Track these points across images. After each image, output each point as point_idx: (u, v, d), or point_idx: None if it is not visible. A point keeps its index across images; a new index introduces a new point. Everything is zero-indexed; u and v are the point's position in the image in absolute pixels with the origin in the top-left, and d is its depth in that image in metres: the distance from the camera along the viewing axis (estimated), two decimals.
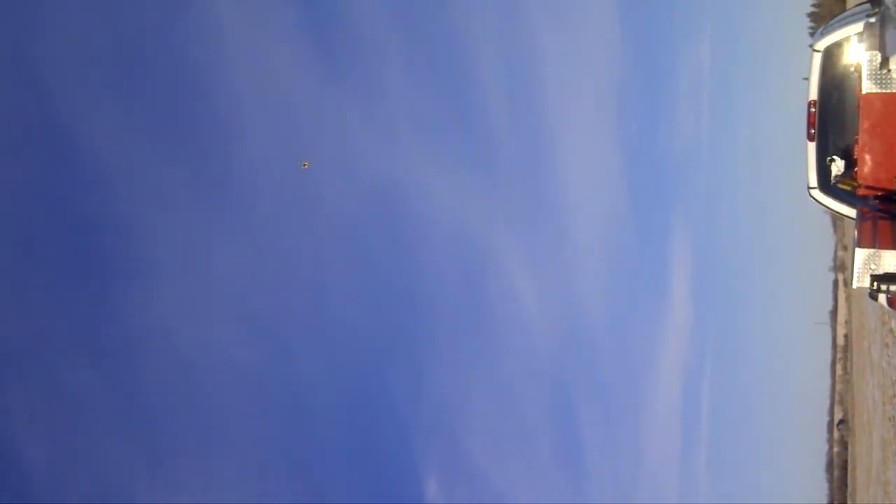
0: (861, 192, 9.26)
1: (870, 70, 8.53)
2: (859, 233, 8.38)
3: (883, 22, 8.29)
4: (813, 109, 9.70)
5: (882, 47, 7.82)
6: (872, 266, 8.05)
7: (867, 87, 8.62)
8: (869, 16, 8.81)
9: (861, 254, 8.09)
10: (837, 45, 9.54)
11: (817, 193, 10.04)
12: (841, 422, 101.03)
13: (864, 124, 8.90)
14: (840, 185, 9.55)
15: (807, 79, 9.82)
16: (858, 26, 9.04)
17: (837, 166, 9.70)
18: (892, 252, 8.00)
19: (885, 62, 7.44)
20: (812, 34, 12.54)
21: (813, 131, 9.79)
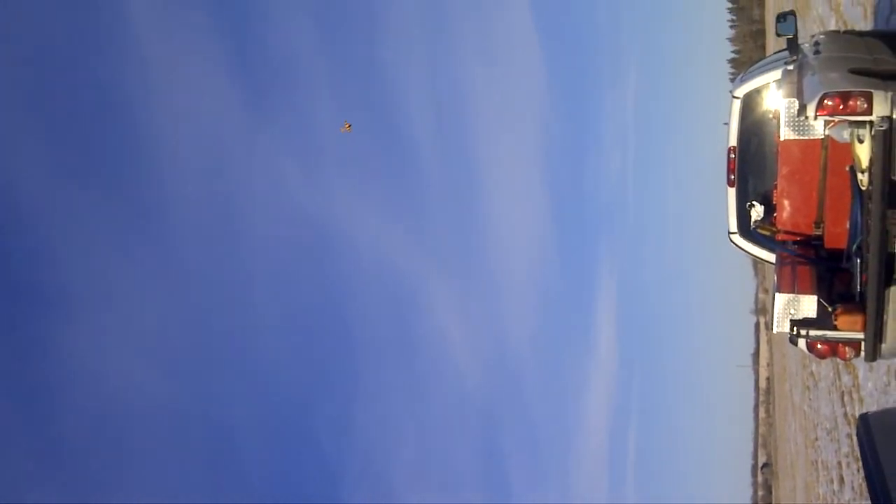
0: (780, 237, 9.42)
1: (788, 117, 8.72)
2: (779, 278, 8.51)
3: (800, 70, 8.48)
4: (732, 155, 9.85)
5: (799, 95, 7.99)
6: (792, 311, 8.16)
7: (785, 133, 8.81)
8: (787, 63, 9.02)
9: (780, 299, 8.20)
10: (756, 91, 9.73)
11: (737, 238, 10.18)
12: (765, 465, 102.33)
13: (783, 170, 9.09)
14: (759, 231, 9.69)
15: (727, 124, 10.01)
16: (777, 73, 9.23)
17: (757, 212, 9.86)
18: (811, 297, 8.14)
19: (802, 109, 7.62)
20: (732, 80, 12.78)
21: (733, 177, 9.94)
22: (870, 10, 14.54)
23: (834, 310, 7.86)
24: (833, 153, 8.61)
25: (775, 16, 9.46)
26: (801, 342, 8.08)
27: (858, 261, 7.66)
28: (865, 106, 7.00)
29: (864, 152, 7.28)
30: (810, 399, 29.02)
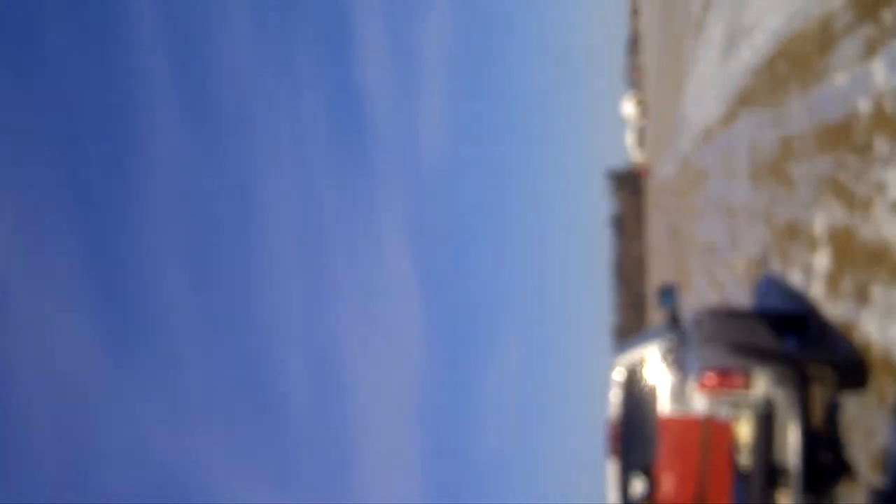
0: None
1: (668, 392, 8.95)
2: None
3: (681, 344, 8.77)
4: (614, 428, 9.99)
5: (680, 369, 8.22)
6: None
7: (665, 408, 9.01)
8: (667, 337, 9.32)
9: None
10: (637, 363, 9.99)
11: None
12: None
13: (663, 445, 9.22)
14: None
15: (609, 395, 10.17)
16: (658, 347, 9.52)
17: (638, 486, 9.91)
18: None
19: (682, 385, 7.83)
20: (614, 351, 13.09)
21: (613, 450, 10.04)
22: (749, 287, 15.22)
23: None
24: (713, 429, 8.79)
25: (657, 289, 9.84)
26: None
27: None
28: (745, 383, 7.23)
29: (744, 430, 7.45)
30: None
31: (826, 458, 8.03)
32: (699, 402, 8.35)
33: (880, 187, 7.36)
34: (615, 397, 10.01)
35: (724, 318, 9.61)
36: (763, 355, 7.66)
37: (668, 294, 9.40)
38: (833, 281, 8.97)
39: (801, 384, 7.34)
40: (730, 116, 19.69)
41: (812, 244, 9.98)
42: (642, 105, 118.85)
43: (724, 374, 7.29)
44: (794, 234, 11.17)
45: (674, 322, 9.34)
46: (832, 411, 8.50)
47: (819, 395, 7.50)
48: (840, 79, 8.82)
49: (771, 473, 7.20)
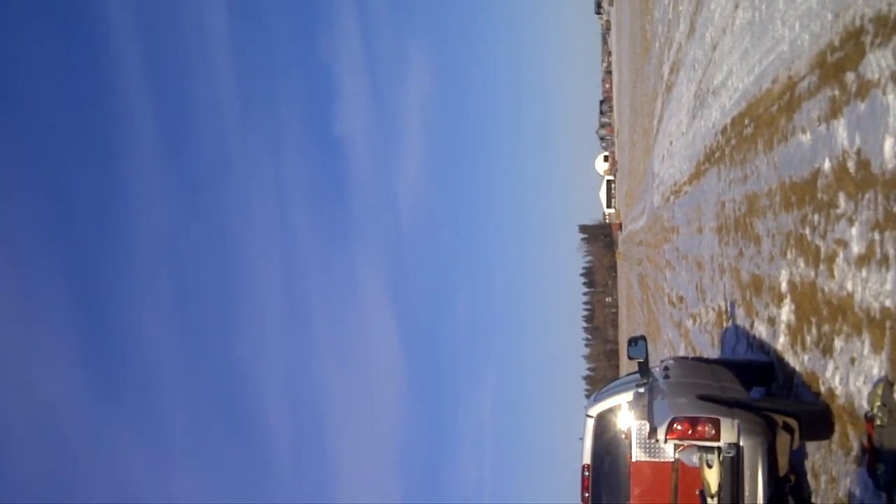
0: None
1: (639, 439, 8.94)
2: None
3: (651, 393, 8.76)
4: (587, 473, 9.97)
5: (650, 418, 8.21)
6: None
7: (636, 454, 9.00)
8: (638, 386, 9.32)
9: None
10: (610, 411, 9.98)
11: None
12: None
13: (635, 491, 9.19)
14: None
15: (582, 440, 10.15)
16: (629, 395, 9.52)
17: None
18: None
19: (652, 432, 7.81)
20: (587, 397, 13.08)
21: (587, 494, 10.00)
22: (717, 339, 15.24)
23: None
24: (683, 476, 8.76)
25: (627, 339, 9.85)
26: None
27: None
28: (713, 432, 7.21)
29: (713, 477, 7.43)
30: None
31: None
32: (669, 449, 8.33)
33: (843, 243, 7.40)
34: (588, 443, 9.98)
35: (693, 366, 9.62)
36: (730, 405, 7.66)
37: (638, 344, 9.40)
38: (797, 333, 8.99)
39: (767, 433, 7.33)
40: (698, 173, 19.83)
41: (777, 297, 10.01)
42: (613, 161, 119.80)
43: (693, 423, 7.28)
44: (759, 288, 11.21)
45: (644, 371, 9.35)
46: (797, 459, 8.49)
47: (785, 443, 7.49)
48: (805, 138, 8.90)
49: None
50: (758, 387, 10.16)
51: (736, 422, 7.24)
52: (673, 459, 8.68)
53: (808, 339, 8.54)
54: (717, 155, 16.40)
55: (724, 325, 14.33)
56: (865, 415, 6.51)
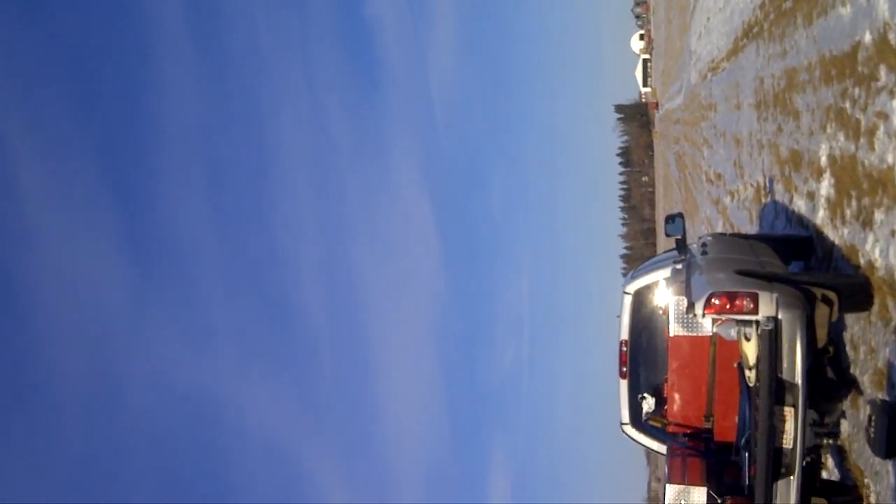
0: (671, 429, 9.51)
1: (677, 314, 8.98)
2: (669, 469, 8.55)
3: (688, 269, 8.76)
4: (624, 349, 10.05)
5: (687, 293, 8.22)
6: (682, 502, 8.17)
7: (675, 329, 9.05)
8: (675, 262, 9.32)
9: (671, 490, 8.22)
10: (647, 288, 10.01)
11: (629, 429, 10.25)
12: None
13: (673, 365, 9.27)
14: (651, 422, 9.79)
15: (619, 318, 10.22)
16: (666, 272, 9.52)
17: (648, 404, 9.99)
18: (701, 489, 8.17)
19: (690, 307, 7.83)
20: (625, 276, 13.11)
21: (625, 369, 10.11)
22: (755, 215, 15.17)
23: (723, 502, 7.89)
24: (721, 350, 8.83)
25: (664, 217, 9.82)
26: None
27: (747, 454, 7.74)
28: (752, 306, 7.22)
29: (750, 350, 7.47)
30: None
31: (830, 376, 8.06)
32: (707, 324, 8.38)
33: (884, 116, 7.29)
34: (626, 320, 10.05)
35: (731, 242, 9.60)
36: (769, 279, 7.66)
37: (675, 221, 9.35)
38: (837, 207, 8.94)
39: (806, 305, 7.34)
40: (736, 49, 19.47)
41: (817, 172, 9.92)
42: (649, 40, 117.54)
43: (731, 298, 7.29)
44: (798, 163, 11.10)
45: (682, 248, 9.33)
46: (836, 331, 8.52)
47: (823, 315, 7.50)
48: (845, 11, 8.70)
49: (777, 390, 7.23)
50: (797, 261, 10.15)
51: (774, 295, 7.23)
52: (711, 334, 8.73)
53: (848, 212, 8.49)
54: (755, 30, 16.07)
55: (763, 201, 14.23)
56: None
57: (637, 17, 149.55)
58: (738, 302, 7.29)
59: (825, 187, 9.49)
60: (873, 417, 6.85)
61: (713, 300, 7.36)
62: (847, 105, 8.54)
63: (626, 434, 10.35)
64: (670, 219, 9.44)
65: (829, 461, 8.85)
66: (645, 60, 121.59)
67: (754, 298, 7.25)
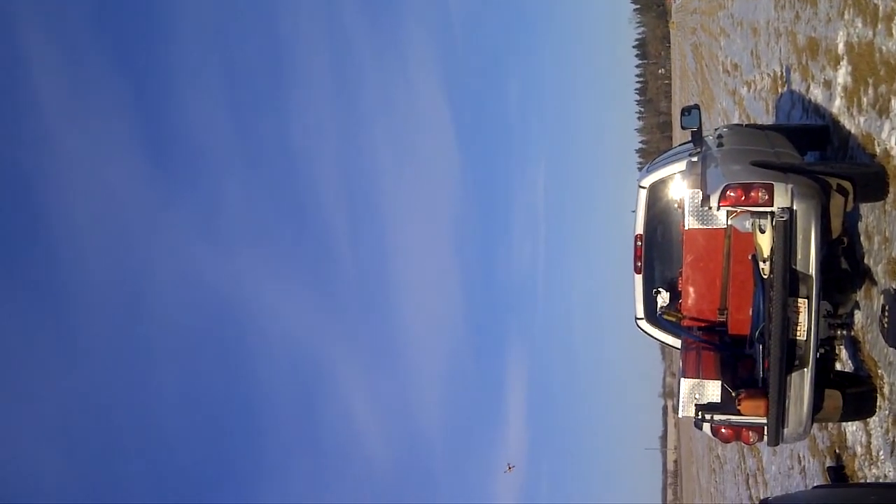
0: (685, 323, 9.51)
1: (692, 207, 8.90)
2: (684, 363, 8.56)
3: (704, 161, 8.67)
4: (639, 243, 9.99)
5: (703, 186, 8.15)
6: (697, 395, 8.21)
7: (689, 223, 8.98)
8: (691, 155, 9.21)
9: (685, 384, 8.25)
10: (662, 181, 9.91)
11: (644, 324, 10.26)
12: None
13: (688, 258, 9.23)
14: (665, 317, 9.77)
15: (634, 212, 10.15)
16: (682, 165, 9.42)
17: (663, 298, 9.97)
18: (716, 382, 8.19)
19: (705, 200, 7.76)
20: (640, 169, 13.00)
21: (639, 264, 10.06)
22: (771, 105, 14.98)
23: (737, 395, 7.91)
24: (736, 242, 8.77)
25: (680, 109, 9.67)
26: (706, 427, 8.11)
27: (761, 347, 7.75)
28: (767, 197, 7.15)
29: (765, 242, 7.42)
30: (717, 482, 29.19)
31: (844, 266, 8.02)
32: (722, 217, 8.31)
33: None
34: (641, 214, 9.98)
35: (746, 133, 9.47)
36: (784, 170, 7.57)
37: (691, 113, 9.22)
38: (854, 95, 8.78)
39: (821, 196, 7.26)
40: None
41: (834, 60, 9.73)
42: None
43: (746, 189, 7.21)
44: (815, 51, 10.89)
45: (697, 140, 9.21)
46: (851, 221, 8.44)
47: (838, 205, 7.42)
48: None
49: (791, 282, 7.19)
50: (813, 151, 10.02)
51: (789, 186, 7.16)
52: (726, 226, 8.66)
53: (865, 100, 8.33)
54: None
55: (780, 90, 14.03)
56: None
57: None
58: (753, 193, 7.22)
59: (842, 75, 9.31)
60: (887, 308, 6.82)
61: (728, 192, 7.29)
62: None
63: (641, 329, 10.36)
64: (686, 111, 9.32)
65: (843, 352, 8.86)
66: None
67: (769, 190, 7.18)
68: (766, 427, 7.70)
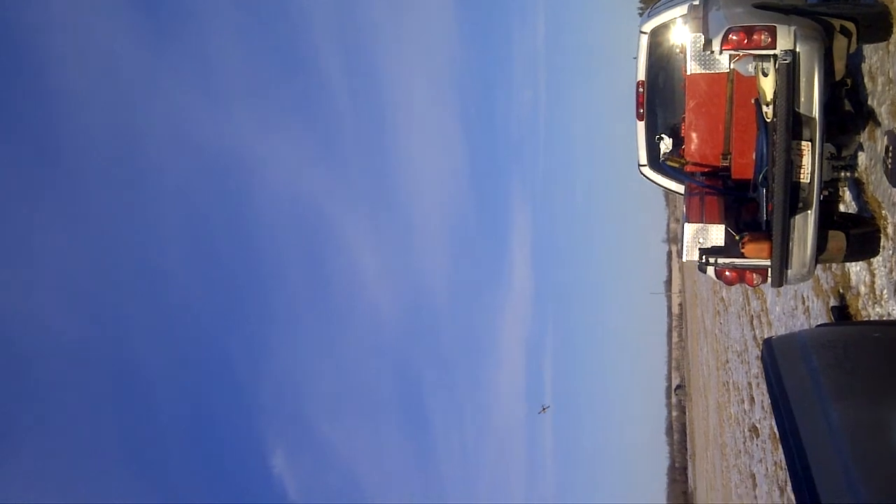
0: (688, 168, 9.53)
1: (694, 52, 8.80)
2: (687, 208, 8.62)
3: (706, 5, 8.54)
4: (641, 89, 9.90)
5: (705, 29, 8.05)
6: (700, 240, 8.30)
7: (692, 68, 8.90)
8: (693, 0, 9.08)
9: (689, 228, 8.33)
10: (664, 26, 9.77)
11: (647, 171, 10.28)
12: (678, 387, 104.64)
13: (690, 104, 9.18)
14: (668, 163, 9.79)
15: (636, 59, 10.04)
16: (683, 9, 9.28)
17: (666, 144, 9.96)
18: (719, 226, 8.28)
19: (708, 44, 7.68)
20: (641, 15, 12.80)
21: (642, 110, 10.00)
22: None
23: (741, 238, 8.01)
24: (739, 86, 8.72)
25: None
26: (710, 270, 8.24)
27: (764, 191, 7.79)
28: (769, 40, 7.08)
29: (768, 85, 7.38)
30: (721, 323, 29.65)
31: (848, 108, 7.99)
32: (724, 61, 8.24)
33: None
34: (643, 60, 9.88)
35: None
36: (787, 11, 7.47)
37: None
38: None
39: (824, 37, 7.18)
40: None
41: None
42: None
43: (749, 32, 7.14)
44: None
45: None
46: (854, 63, 8.36)
47: (842, 47, 7.34)
48: None
49: (794, 125, 7.18)
50: None
51: (792, 28, 7.08)
52: (728, 70, 8.60)
53: None
54: None
55: None
56: None
57: None
58: (755, 36, 7.15)
59: None
60: (890, 148, 6.83)
61: (731, 35, 7.22)
62: None
63: (645, 175, 10.39)
64: None
65: (847, 194, 8.90)
66: None
67: (772, 32, 7.11)
68: (769, 269, 7.82)
